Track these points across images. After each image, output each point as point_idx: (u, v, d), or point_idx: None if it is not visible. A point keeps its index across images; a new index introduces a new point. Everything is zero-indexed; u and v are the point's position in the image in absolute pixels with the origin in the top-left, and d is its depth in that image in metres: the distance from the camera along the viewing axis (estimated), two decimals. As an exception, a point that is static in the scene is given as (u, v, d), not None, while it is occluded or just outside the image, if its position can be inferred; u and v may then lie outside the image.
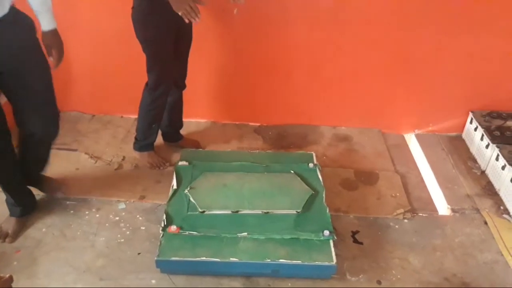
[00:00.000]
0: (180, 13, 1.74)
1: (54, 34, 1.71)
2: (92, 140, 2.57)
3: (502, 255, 1.92)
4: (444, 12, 2.32)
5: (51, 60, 1.74)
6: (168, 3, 1.78)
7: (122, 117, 2.78)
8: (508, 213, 2.14)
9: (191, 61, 2.27)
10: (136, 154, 2.38)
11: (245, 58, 2.57)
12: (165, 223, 1.81)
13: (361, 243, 1.95)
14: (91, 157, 2.42)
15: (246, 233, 1.79)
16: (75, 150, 2.48)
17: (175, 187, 2.02)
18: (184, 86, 2.33)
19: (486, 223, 2.08)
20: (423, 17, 2.34)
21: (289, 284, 1.74)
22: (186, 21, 1.75)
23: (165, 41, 2.02)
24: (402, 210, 2.12)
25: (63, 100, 2.76)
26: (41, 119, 1.80)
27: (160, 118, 2.32)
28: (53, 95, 1.81)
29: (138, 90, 2.19)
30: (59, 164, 2.35)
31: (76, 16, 2.47)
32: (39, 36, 1.68)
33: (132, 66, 2.36)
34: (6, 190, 1.88)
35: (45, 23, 1.67)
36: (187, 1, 1.75)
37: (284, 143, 2.63)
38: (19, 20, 1.59)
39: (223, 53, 2.55)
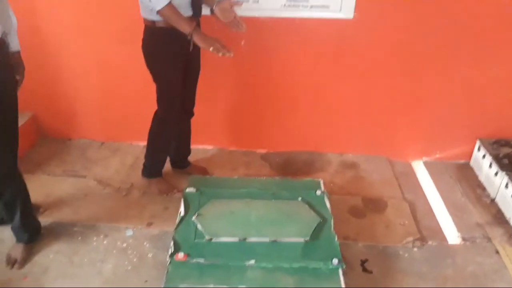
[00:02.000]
0: (211, 49, 1.81)
1: (19, 55, 1.84)
2: (101, 167, 2.60)
3: (515, 285, 1.88)
4: (450, 41, 2.36)
5: (18, 78, 1.84)
6: (178, 35, 1.84)
7: (131, 144, 2.82)
8: (520, 242, 2.10)
9: (199, 89, 2.31)
10: (145, 181, 2.40)
11: (252, 86, 2.61)
12: (173, 251, 1.80)
13: (371, 272, 1.92)
14: (100, 183, 2.44)
15: (253, 261, 1.77)
16: (84, 176, 2.51)
17: (182, 214, 2.01)
18: (192, 114, 2.36)
19: (497, 252, 2.05)
20: (429, 46, 2.38)
21: (298, 314, 1.71)
22: (219, 55, 1.82)
23: (174, 72, 2.06)
24: (411, 239, 2.10)
25: (72, 128, 2.84)
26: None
27: (169, 146, 2.34)
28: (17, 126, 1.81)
29: (147, 117, 2.22)
30: (68, 190, 2.37)
31: (86, 44, 2.54)
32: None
33: (141, 94, 2.42)
34: (21, 212, 1.89)
35: (13, 44, 1.79)
36: (215, 39, 1.84)
37: (291, 170, 2.64)
38: (3, 45, 1.69)
39: (230, 81, 2.60)
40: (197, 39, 1.84)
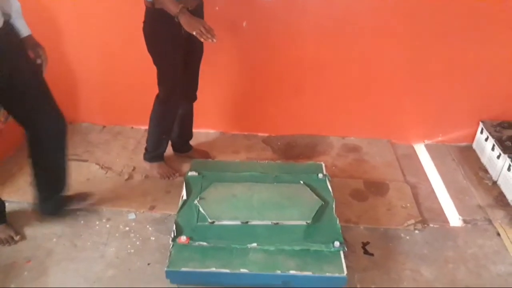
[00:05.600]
0: (194, 33, 1.77)
1: (32, 37, 1.81)
2: (103, 151, 2.59)
3: (516, 267, 1.89)
4: (453, 23, 2.33)
5: (40, 62, 1.83)
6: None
7: (132, 128, 2.81)
8: (521, 224, 2.11)
9: (201, 73, 2.29)
10: (146, 165, 2.40)
11: (254, 69, 2.59)
12: (175, 234, 1.81)
13: (372, 255, 1.93)
14: (101, 167, 2.44)
15: (256, 244, 1.78)
16: (86, 160, 2.51)
17: (185, 197, 2.02)
18: (195, 98, 2.35)
19: (498, 234, 2.05)
20: (432, 28, 2.35)
21: (300, 296, 1.73)
22: (202, 40, 1.77)
23: (175, 54, 2.04)
24: (413, 221, 2.10)
25: (74, 112, 2.83)
26: (45, 113, 1.85)
27: (170, 130, 2.33)
28: (49, 90, 1.86)
29: (149, 101, 2.21)
30: (70, 174, 2.37)
31: (87, 28, 2.51)
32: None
33: (142, 78, 2.39)
34: None
35: (23, 29, 1.77)
36: (200, 22, 1.78)
37: (293, 153, 2.63)
38: (10, 30, 1.70)
39: (232, 64, 2.57)
40: (182, 22, 1.81)
